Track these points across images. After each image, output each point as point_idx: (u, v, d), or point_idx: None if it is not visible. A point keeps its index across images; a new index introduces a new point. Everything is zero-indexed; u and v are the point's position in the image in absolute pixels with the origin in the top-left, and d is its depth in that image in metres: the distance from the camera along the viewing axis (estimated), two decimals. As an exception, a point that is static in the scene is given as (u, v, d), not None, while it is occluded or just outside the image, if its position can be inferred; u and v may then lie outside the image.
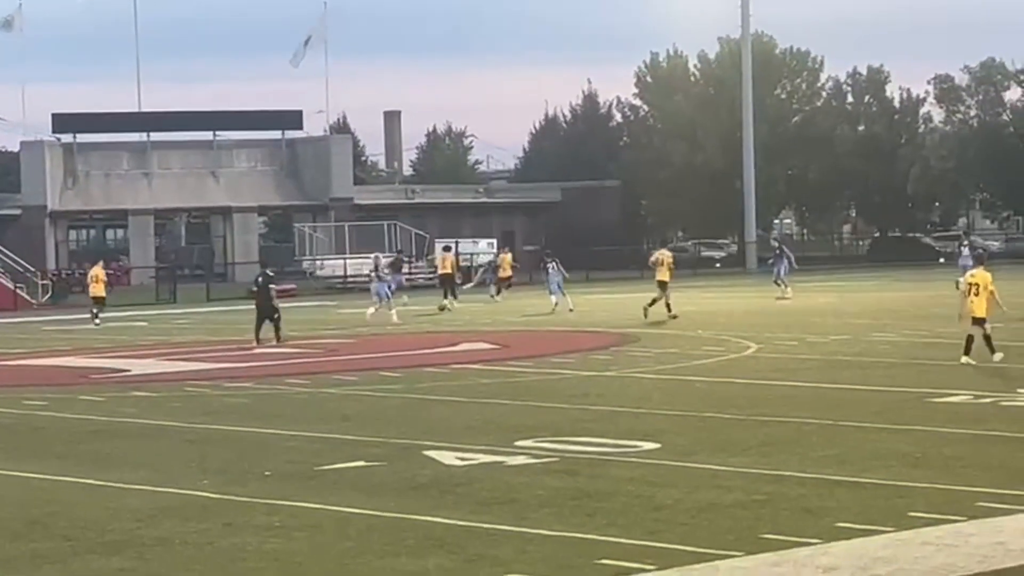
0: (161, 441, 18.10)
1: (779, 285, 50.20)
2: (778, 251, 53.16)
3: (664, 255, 41.19)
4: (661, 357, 27.61)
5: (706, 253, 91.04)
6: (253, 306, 35.38)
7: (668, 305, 38.98)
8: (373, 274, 45.18)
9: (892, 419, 17.86)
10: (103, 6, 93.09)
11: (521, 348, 31.69)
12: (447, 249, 56.49)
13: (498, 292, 53.77)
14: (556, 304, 45.19)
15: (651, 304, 38.96)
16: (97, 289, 46.73)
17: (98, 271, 47.69)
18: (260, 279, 35.31)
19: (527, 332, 37.45)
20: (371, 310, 42.12)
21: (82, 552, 11.72)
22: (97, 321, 45.26)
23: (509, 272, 55.07)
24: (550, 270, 46.68)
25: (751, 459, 15.13)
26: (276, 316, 34.07)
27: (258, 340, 33.82)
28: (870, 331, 32.47)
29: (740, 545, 11.09)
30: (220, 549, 11.64)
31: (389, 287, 43.71)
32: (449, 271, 50.80)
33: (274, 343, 33.33)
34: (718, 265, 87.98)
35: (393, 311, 42.07)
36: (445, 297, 48.97)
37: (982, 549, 10.71)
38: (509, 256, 56.52)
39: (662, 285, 39.70)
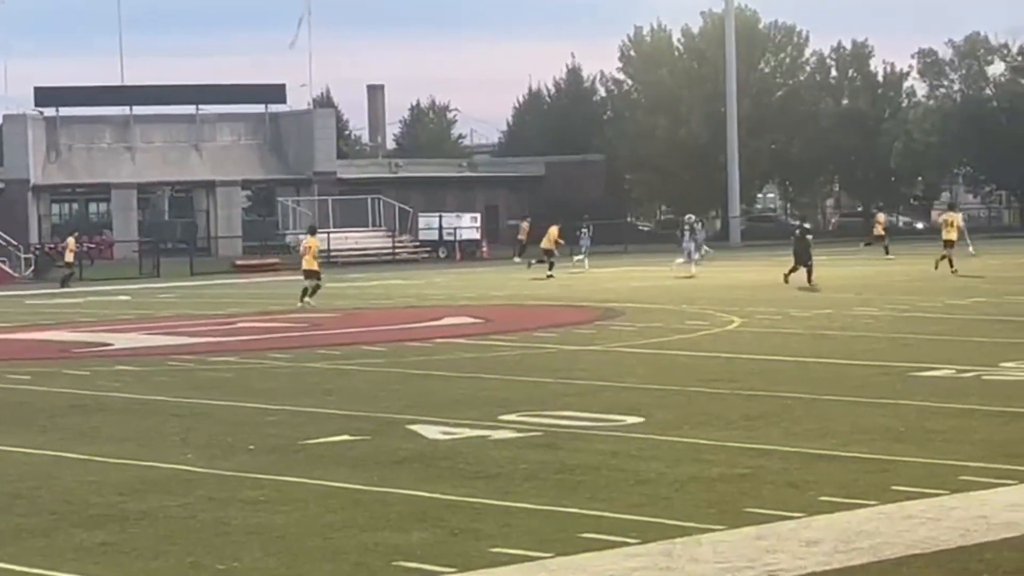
0: (145, 415, 18.08)
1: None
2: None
3: (953, 216, 46.48)
4: (645, 331, 27.64)
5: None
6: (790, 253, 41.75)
7: (950, 261, 43.87)
8: (686, 232, 50.71)
9: (875, 393, 17.89)
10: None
11: (504, 322, 31.70)
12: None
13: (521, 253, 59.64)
14: None
15: (941, 259, 44.18)
16: None
17: None
18: (799, 231, 41.64)
19: (510, 306, 37.45)
20: (680, 260, 49.46)
21: (66, 526, 11.71)
22: None
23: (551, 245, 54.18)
24: None
25: (734, 433, 15.17)
26: (809, 263, 39.80)
27: (810, 281, 38.99)
28: (852, 305, 32.52)
29: (723, 519, 11.11)
30: (204, 523, 11.64)
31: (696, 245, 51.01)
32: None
33: (806, 284, 38.87)
34: None
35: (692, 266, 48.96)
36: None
37: (964, 523, 10.75)
38: (555, 229, 54.85)
39: (948, 244, 44.67)
